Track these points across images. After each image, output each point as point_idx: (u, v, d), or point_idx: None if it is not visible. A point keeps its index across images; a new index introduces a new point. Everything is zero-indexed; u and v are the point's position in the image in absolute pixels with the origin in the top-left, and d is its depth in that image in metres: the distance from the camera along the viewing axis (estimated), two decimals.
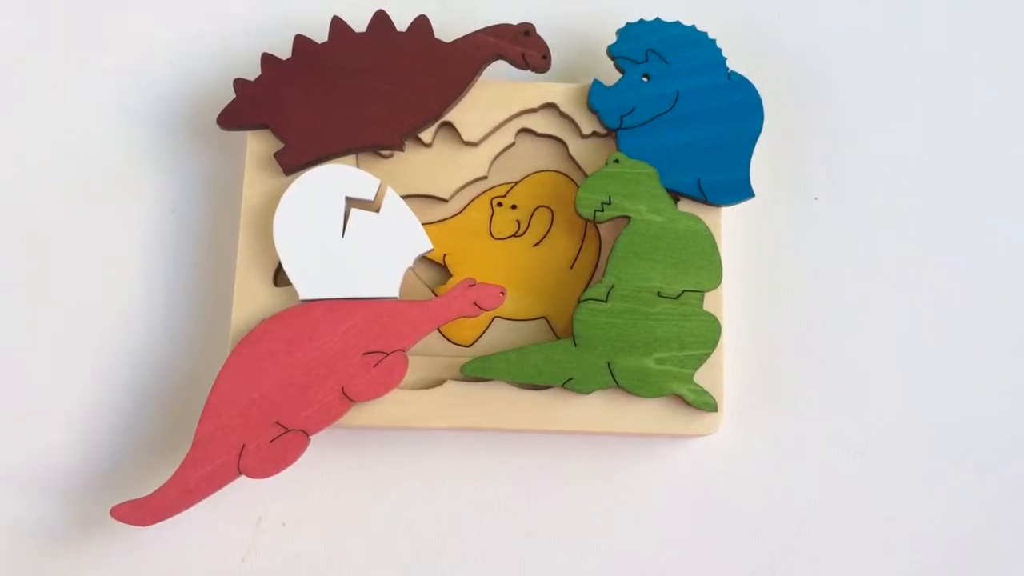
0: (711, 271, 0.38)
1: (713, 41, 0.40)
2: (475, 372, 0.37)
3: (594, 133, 0.40)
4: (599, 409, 0.37)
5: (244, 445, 0.36)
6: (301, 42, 0.39)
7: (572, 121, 0.40)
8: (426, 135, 0.40)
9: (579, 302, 0.37)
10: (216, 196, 0.41)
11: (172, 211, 0.41)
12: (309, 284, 0.37)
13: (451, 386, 0.37)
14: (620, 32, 0.40)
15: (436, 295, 0.39)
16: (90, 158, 0.42)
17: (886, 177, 0.43)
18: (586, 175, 0.39)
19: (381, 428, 0.38)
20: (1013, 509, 0.40)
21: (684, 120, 0.39)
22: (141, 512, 0.35)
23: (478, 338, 0.39)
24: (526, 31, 0.40)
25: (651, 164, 0.38)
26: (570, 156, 0.41)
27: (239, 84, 0.39)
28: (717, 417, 0.37)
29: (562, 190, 0.41)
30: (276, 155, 0.39)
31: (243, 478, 0.35)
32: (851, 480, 0.40)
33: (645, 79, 0.40)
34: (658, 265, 0.38)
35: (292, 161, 0.39)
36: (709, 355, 0.37)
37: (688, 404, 0.37)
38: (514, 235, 0.40)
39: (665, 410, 0.37)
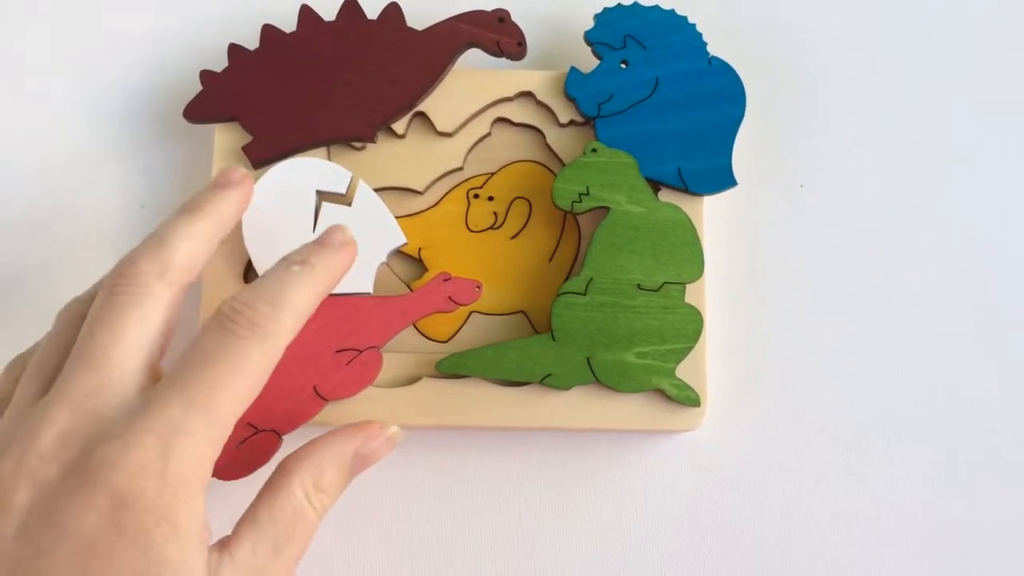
0: (692, 262, 0.37)
1: (693, 26, 0.39)
2: (451, 369, 0.36)
3: (572, 122, 0.39)
4: (578, 405, 0.36)
5: None
6: (269, 32, 0.38)
7: (549, 110, 0.39)
8: (399, 126, 0.39)
9: (557, 296, 0.36)
10: (184, 190, 0.40)
11: (141, 207, 0.41)
12: None
13: (426, 383, 0.37)
14: (597, 17, 0.39)
15: (411, 290, 0.38)
16: (55, 154, 0.41)
17: (873, 163, 0.42)
18: (564, 165, 0.38)
19: None
20: (1004, 505, 0.39)
21: (664, 107, 0.38)
22: None
23: (455, 334, 0.38)
24: (500, 17, 0.39)
25: (630, 153, 0.38)
26: (548, 146, 0.40)
27: (205, 76, 0.38)
28: (700, 412, 0.37)
29: (540, 181, 0.40)
30: (244, 148, 0.38)
31: (214, 480, 0.35)
32: (837, 475, 0.39)
33: (623, 65, 0.39)
34: (638, 257, 0.37)
35: (261, 154, 0.38)
36: (691, 349, 0.36)
37: (670, 399, 0.36)
38: (491, 227, 0.39)
39: (646, 405, 0.36)
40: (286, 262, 0.31)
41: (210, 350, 0.28)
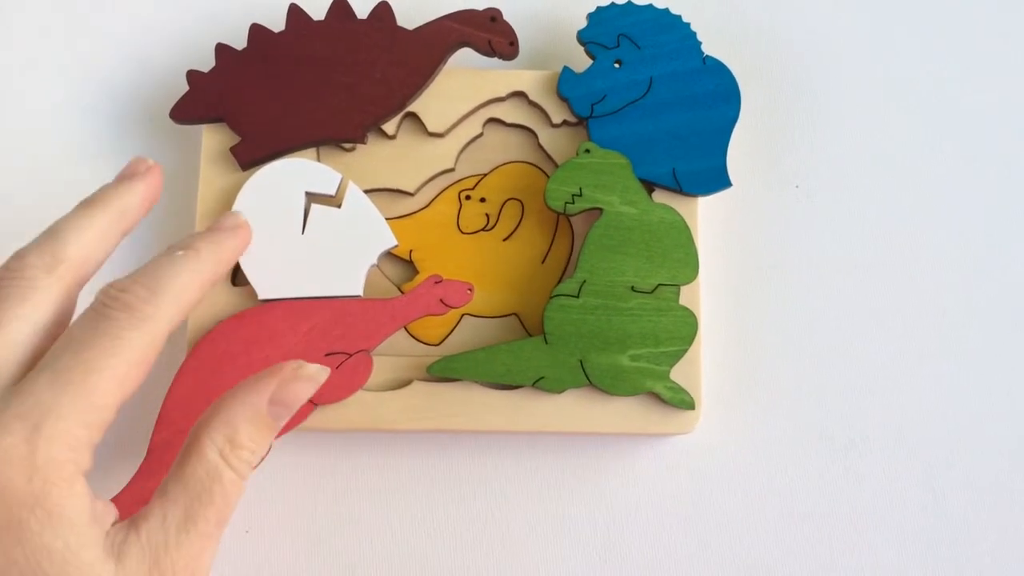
0: (687, 264, 0.37)
1: (687, 25, 0.39)
2: (442, 372, 0.36)
3: (564, 122, 0.39)
4: (572, 409, 0.36)
5: None
6: (257, 31, 0.38)
7: (542, 110, 0.39)
8: (390, 127, 0.38)
9: (550, 298, 0.36)
10: (171, 193, 0.39)
11: None
12: (268, 283, 0.36)
13: (418, 387, 0.36)
14: (590, 16, 0.39)
15: (402, 292, 0.38)
16: (38, 156, 0.41)
17: (870, 162, 0.42)
18: (557, 166, 0.38)
19: (346, 431, 0.37)
20: (1003, 508, 0.38)
21: (658, 107, 0.38)
22: None
23: (446, 336, 0.38)
24: (492, 16, 0.38)
25: (624, 153, 0.37)
26: (540, 146, 0.39)
27: (193, 76, 0.38)
28: (694, 415, 0.36)
29: (532, 182, 0.39)
30: (232, 149, 0.37)
31: None
32: (835, 478, 0.38)
33: (617, 65, 0.38)
34: (631, 259, 0.36)
35: (249, 155, 0.37)
36: (686, 351, 0.36)
37: (664, 402, 0.36)
38: (483, 229, 0.39)
39: (640, 409, 0.36)
40: (171, 248, 0.30)
41: (83, 335, 0.27)
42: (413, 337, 0.38)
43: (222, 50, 0.38)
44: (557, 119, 0.39)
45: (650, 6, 0.39)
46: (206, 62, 0.38)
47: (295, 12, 0.38)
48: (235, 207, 0.36)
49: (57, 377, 0.26)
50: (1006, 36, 0.44)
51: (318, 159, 0.38)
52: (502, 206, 0.39)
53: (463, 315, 0.38)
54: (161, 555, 0.26)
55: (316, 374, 0.30)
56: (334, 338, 0.35)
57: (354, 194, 0.37)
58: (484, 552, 0.37)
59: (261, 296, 0.36)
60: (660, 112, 0.38)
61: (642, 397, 0.36)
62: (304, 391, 0.29)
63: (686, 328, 0.36)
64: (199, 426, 0.28)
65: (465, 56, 0.38)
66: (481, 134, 0.39)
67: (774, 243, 0.41)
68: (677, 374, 0.36)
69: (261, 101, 0.37)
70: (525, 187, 0.39)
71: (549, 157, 0.39)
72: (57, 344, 0.27)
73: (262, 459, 0.29)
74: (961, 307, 0.40)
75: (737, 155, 0.39)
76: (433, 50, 0.38)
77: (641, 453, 0.38)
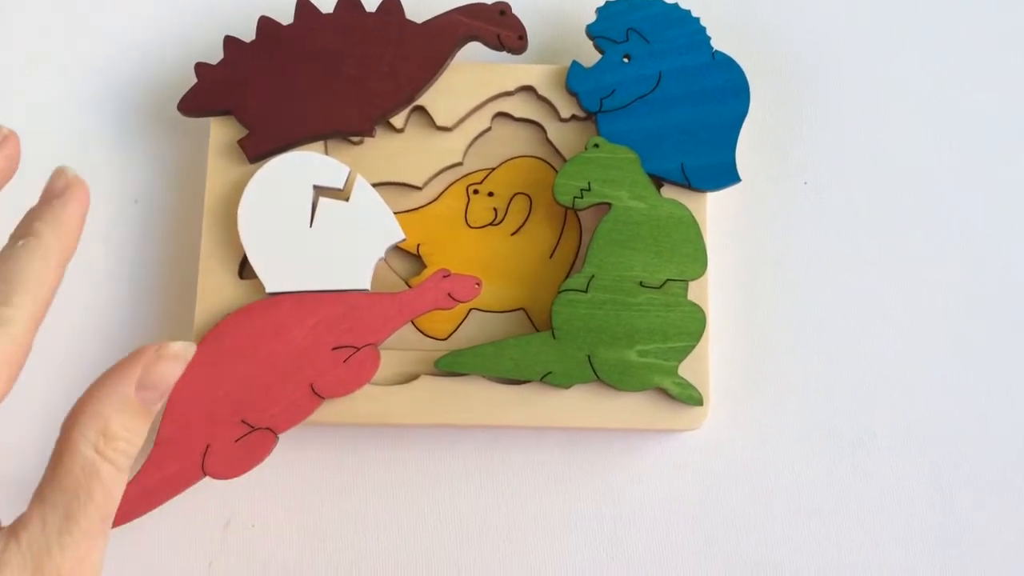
0: (695, 259, 0.36)
1: (697, 19, 0.39)
2: (450, 367, 0.36)
3: (573, 117, 0.39)
4: (579, 404, 0.36)
5: (208, 445, 0.34)
6: (265, 23, 0.38)
7: (550, 104, 0.39)
8: (398, 120, 0.38)
9: (558, 293, 0.36)
10: (179, 186, 0.40)
11: (135, 202, 0.40)
12: (276, 277, 0.36)
13: (425, 381, 0.36)
14: (599, 11, 0.39)
15: (410, 287, 0.38)
16: (47, 150, 0.40)
17: (879, 159, 0.42)
18: (565, 160, 0.38)
19: (353, 425, 0.37)
20: (1010, 506, 0.38)
21: (667, 102, 0.38)
22: None
23: (454, 331, 0.38)
24: (501, 10, 0.38)
25: (633, 148, 0.37)
26: (549, 141, 0.39)
27: (201, 68, 0.38)
28: (702, 411, 0.36)
29: (541, 176, 0.39)
30: (240, 142, 0.37)
31: (209, 479, 0.34)
32: (843, 475, 0.38)
33: (626, 60, 0.38)
34: (640, 254, 0.36)
35: (257, 148, 0.37)
36: (694, 347, 0.36)
37: (672, 398, 0.36)
38: (491, 224, 0.39)
39: (648, 404, 0.36)
40: (12, 238, 0.28)
41: None
42: (420, 331, 0.38)
43: (230, 42, 0.38)
44: (566, 113, 0.39)
45: (659, 0, 0.39)
46: (214, 54, 0.38)
47: (304, 5, 0.38)
48: (243, 200, 0.36)
49: None
50: (1011, 32, 0.43)
51: (326, 152, 0.38)
52: (510, 200, 0.39)
53: (471, 310, 0.38)
54: (44, 560, 0.25)
55: (181, 351, 0.28)
56: (341, 332, 0.35)
57: (362, 188, 0.37)
58: (490, 546, 0.37)
59: (269, 289, 0.36)
60: (669, 107, 0.38)
61: (650, 393, 0.36)
62: (171, 370, 0.28)
63: (694, 324, 0.36)
64: (68, 424, 0.27)
65: (474, 50, 0.38)
66: (489, 128, 0.39)
67: (782, 239, 0.40)
68: (685, 370, 0.36)
69: (269, 94, 0.37)
70: (533, 182, 0.39)
71: (557, 152, 0.39)
72: None
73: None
74: (969, 305, 0.40)
75: (746, 150, 0.38)
76: (442, 44, 0.38)
77: (648, 449, 0.38)
